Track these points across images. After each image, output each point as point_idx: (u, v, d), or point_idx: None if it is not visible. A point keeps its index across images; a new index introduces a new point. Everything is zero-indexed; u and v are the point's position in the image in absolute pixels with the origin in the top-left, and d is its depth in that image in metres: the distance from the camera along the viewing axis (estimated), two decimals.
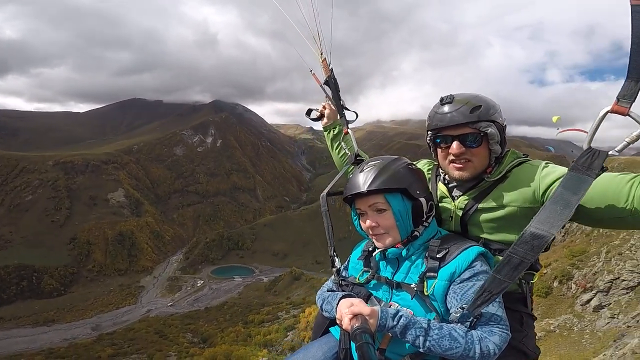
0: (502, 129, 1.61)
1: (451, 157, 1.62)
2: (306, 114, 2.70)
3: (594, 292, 16.78)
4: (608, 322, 15.03)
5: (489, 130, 1.54)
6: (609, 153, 1.17)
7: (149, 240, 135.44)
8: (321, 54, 2.37)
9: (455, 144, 1.57)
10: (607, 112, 1.12)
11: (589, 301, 17.54)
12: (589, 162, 1.19)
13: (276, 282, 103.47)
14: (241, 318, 75.46)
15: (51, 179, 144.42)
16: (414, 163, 1.85)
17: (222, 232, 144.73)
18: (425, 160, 2.04)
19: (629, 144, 1.12)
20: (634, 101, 1.07)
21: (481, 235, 1.67)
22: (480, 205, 1.63)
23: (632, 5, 1.00)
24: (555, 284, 22.15)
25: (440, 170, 1.81)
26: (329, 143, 2.62)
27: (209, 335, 68.24)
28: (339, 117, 2.46)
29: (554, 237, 1.23)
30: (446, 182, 1.79)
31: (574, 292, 20.61)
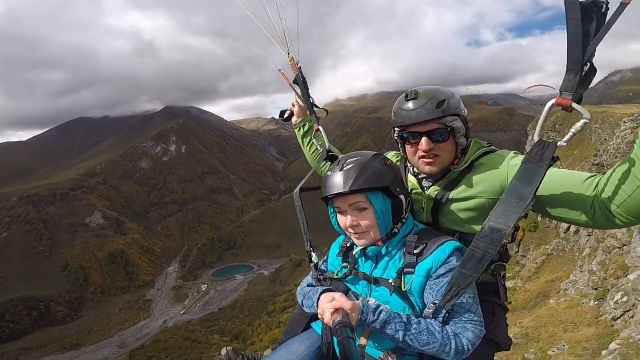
0: (465, 120, 1.65)
1: (420, 153, 1.62)
2: (279, 116, 2.81)
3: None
4: (587, 240, 18.39)
5: (455, 125, 1.57)
6: (558, 144, 1.22)
7: (141, 256, 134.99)
8: (288, 53, 2.43)
9: (424, 140, 1.57)
10: (552, 104, 1.18)
11: (568, 227, 21.42)
12: (540, 153, 1.22)
13: (278, 273, 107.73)
14: (261, 310, 79.26)
15: (21, 213, 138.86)
16: (385, 155, 1.91)
17: (211, 235, 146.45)
18: (393, 152, 2.06)
19: (574, 134, 1.16)
20: (575, 92, 1.12)
21: (452, 227, 1.70)
22: (451, 196, 1.66)
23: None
24: (539, 218, 26.32)
25: (409, 163, 1.81)
26: (300, 140, 2.67)
27: (239, 331, 72.09)
28: (309, 114, 2.56)
29: (513, 229, 1.29)
30: (415, 173, 1.80)
31: (555, 223, 24.21)
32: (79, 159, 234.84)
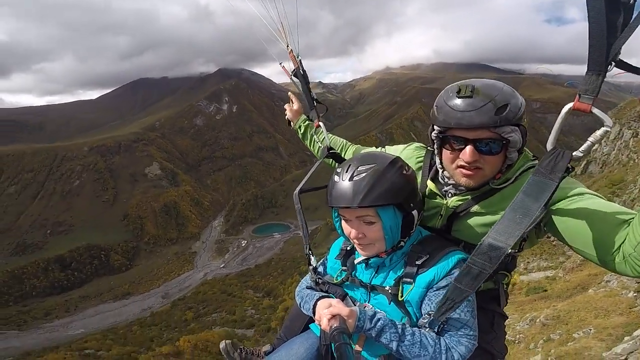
0: (525, 132, 1.39)
1: (461, 162, 1.41)
2: (287, 123, 2.68)
3: None
4: None
5: (512, 137, 1.33)
6: (573, 154, 1.09)
7: (191, 208, 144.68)
8: (287, 45, 2.34)
9: (469, 150, 1.35)
10: (570, 109, 1.05)
11: None
12: (553, 164, 1.10)
13: (313, 235, 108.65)
14: (294, 270, 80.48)
15: (91, 163, 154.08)
16: (401, 147, 1.87)
17: (255, 192, 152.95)
18: (415, 145, 1.89)
19: (593, 144, 1.04)
20: (596, 96, 1.00)
21: (464, 239, 1.57)
22: (474, 209, 1.51)
23: None
24: None
25: (438, 165, 1.58)
26: (302, 142, 2.59)
27: (271, 288, 74.78)
28: (309, 108, 2.45)
29: (515, 248, 1.17)
30: (445, 178, 1.61)
31: None
32: (141, 114, 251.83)
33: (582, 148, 1.07)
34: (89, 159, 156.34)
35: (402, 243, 1.49)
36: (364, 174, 1.37)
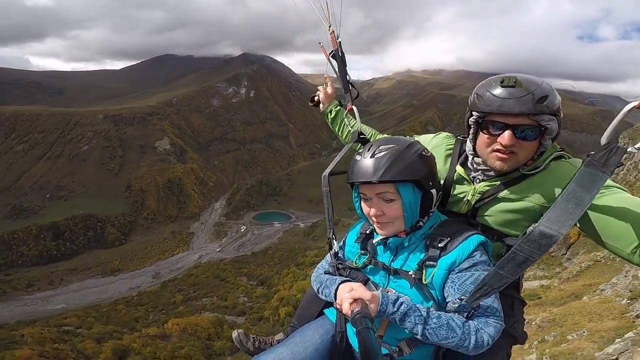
0: (560, 123, 1.45)
1: (497, 146, 1.45)
2: (310, 101, 2.70)
3: None
4: None
5: (550, 125, 1.39)
6: (628, 150, 1.11)
7: (194, 187, 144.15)
8: (329, 26, 2.36)
9: (507, 134, 1.40)
10: (634, 107, 1.06)
11: None
12: (606, 158, 1.12)
13: (314, 228, 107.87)
14: (291, 261, 79.70)
15: (103, 130, 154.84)
16: (431, 136, 1.87)
17: (260, 178, 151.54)
18: (444, 134, 1.92)
19: None
20: None
21: (488, 224, 1.60)
22: (502, 194, 1.54)
23: None
24: None
25: (469, 151, 1.65)
26: (330, 126, 2.59)
27: (266, 277, 73.45)
28: (344, 92, 2.46)
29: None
30: (475, 163, 1.64)
31: None
32: (161, 89, 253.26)
33: (637, 145, 1.08)
34: (102, 127, 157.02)
35: (420, 223, 1.50)
36: (384, 152, 1.42)
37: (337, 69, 2.44)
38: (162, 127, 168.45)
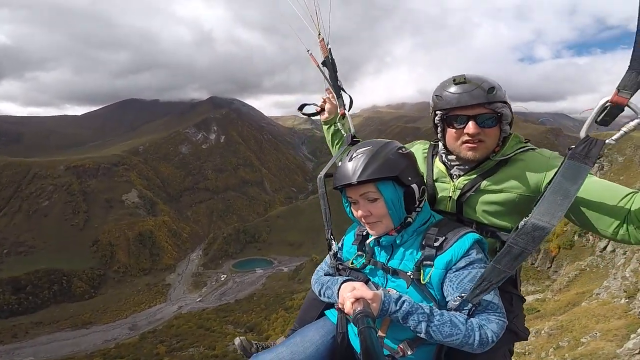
0: (512, 110, 1.62)
1: (465, 138, 1.59)
2: (299, 108, 2.73)
3: (607, 240, 21.77)
4: (624, 256, 18.54)
5: (504, 111, 1.55)
6: (606, 142, 1.19)
7: (167, 239, 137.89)
8: (319, 34, 2.36)
9: (471, 124, 1.54)
10: (607, 102, 1.13)
11: (605, 247, 21.52)
12: (587, 150, 1.19)
13: (298, 271, 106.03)
14: (279, 306, 77.29)
15: (65, 183, 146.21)
16: (405, 146, 1.85)
17: (237, 226, 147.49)
18: (418, 142, 2.05)
19: (626, 133, 1.13)
20: (634, 92, 1.08)
21: (475, 218, 1.69)
22: (482, 186, 1.64)
23: None
24: (576, 237, 27.24)
25: (441, 150, 1.78)
26: (329, 138, 2.64)
27: (254, 324, 70.46)
28: (336, 97, 2.52)
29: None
30: (446, 161, 1.79)
31: (592, 242, 25.01)
32: (126, 136, 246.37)
33: (615, 136, 1.16)
34: (63, 179, 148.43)
35: (409, 219, 1.56)
36: (361, 154, 1.50)
37: (328, 77, 2.46)
38: (129, 178, 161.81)
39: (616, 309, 10.23)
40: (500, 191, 1.61)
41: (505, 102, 1.58)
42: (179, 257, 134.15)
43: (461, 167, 1.73)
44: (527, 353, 10.08)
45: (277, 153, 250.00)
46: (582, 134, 1.22)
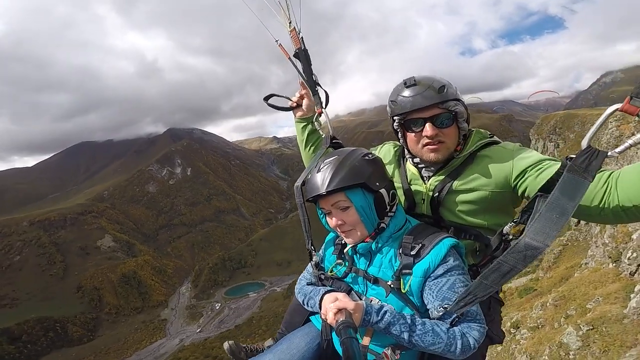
0: (465, 106, 1.60)
1: (425, 140, 1.57)
2: (265, 98, 2.26)
3: None
4: (597, 227, 17.64)
5: (458, 109, 1.54)
6: (609, 154, 1.09)
7: (153, 277, 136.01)
8: (289, 22, 2.10)
9: (428, 126, 1.53)
10: (616, 110, 1.06)
11: (578, 221, 21.98)
12: (587, 163, 1.09)
13: (292, 289, 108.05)
14: (280, 325, 79.88)
15: (32, 238, 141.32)
16: (378, 147, 1.88)
17: (222, 255, 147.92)
18: (389, 144, 2.00)
19: (631, 145, 1.04)
20: None
21: (452, 219, 1.66)
22: (454, 187, 1.61)
23: None
24: None
25: (407, 154, 1.77)
26: (302, 138, 2.27)
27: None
28: (311, 94, 2.21)
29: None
30: (416, 164, 1.74)
31: None
32: (86, 184, 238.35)
33: (618, 149, 1.07)
34: (30, 234, 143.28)
35: (382, 225, 1.54)
36: (328, 164, 1.50)
37: (301, 70, 2.17)
38: (99, 225, 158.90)
39: (607, 274, 10.37)
40: (472, 190, 1.58)
41: (458, 100, 1.56)
42: (168, 292, 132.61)
43: (429, 168, 1.71)
44: (540, 326, 10.42)
45: (248, 177, 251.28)
46: (584, 144, 1.13)
